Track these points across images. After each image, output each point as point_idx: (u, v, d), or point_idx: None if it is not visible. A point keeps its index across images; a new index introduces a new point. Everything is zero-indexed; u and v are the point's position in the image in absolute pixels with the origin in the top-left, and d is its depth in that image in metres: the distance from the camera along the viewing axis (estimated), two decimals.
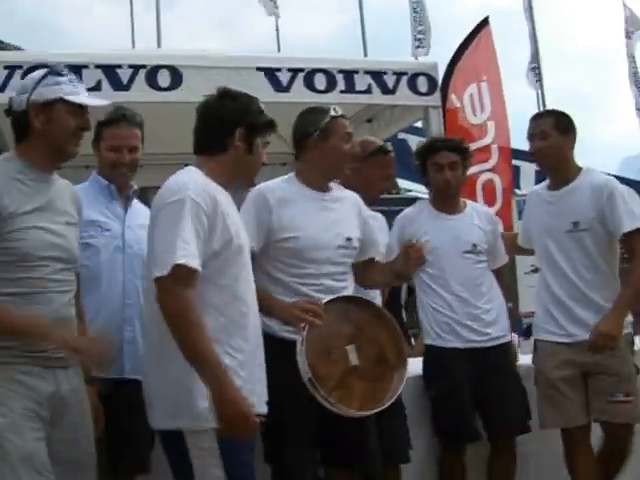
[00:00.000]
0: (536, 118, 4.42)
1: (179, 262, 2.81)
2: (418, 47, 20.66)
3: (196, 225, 2.90)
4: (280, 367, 3.28)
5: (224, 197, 3.09)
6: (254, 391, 3.00)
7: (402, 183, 11.29)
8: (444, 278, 4.29)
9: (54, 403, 2.91)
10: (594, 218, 4.18)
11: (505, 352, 4.38)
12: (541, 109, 19.48)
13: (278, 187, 3.73)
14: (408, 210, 4.60)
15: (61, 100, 2.98)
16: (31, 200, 2.93)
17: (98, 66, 5.30)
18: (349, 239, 3.75)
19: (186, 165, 3.35)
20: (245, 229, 3.27)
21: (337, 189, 3.87)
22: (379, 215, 4.38)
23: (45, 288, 2.92)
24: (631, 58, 23.38)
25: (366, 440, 3.66)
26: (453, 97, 6.28)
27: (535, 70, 19.86)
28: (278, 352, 3.33)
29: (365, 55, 16.95)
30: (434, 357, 4.29)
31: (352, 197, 3.93)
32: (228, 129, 3.14)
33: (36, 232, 2.91)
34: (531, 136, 4.36)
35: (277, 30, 19.87)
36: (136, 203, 3.87)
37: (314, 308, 3.41)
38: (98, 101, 3.19)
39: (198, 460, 2.91)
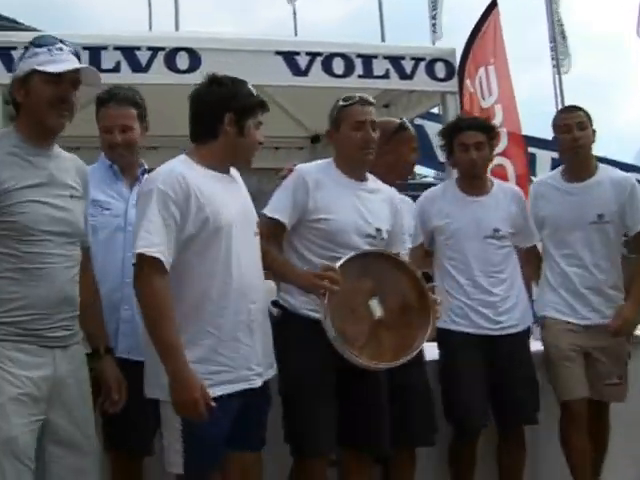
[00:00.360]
0: (572, 110, 4.55)
1: (138, 251, 3.05)
2: (434, 32, 20.60)
3: (163, 214, 3.07)
4: (302, 345, 3.58)
5: (208, 180, 3.24)
6: (236, 365, 3.20)
7: (418, 169, 11.26)
8: (463, 262, 4.29)
9: (51, 383, 2.91)
10: (616, 212, 4.40)
11: (520, 341, 4.36)
12: (558, 94, 19.30)
13: (316, 170, 3.82)
14: (431, 190, 4.63)
15: (36, 71, 2.95)
16: (31, 175, 2.93)
17: (117, 48, 5.33)
18: (378, 230, 3.81)
19: None
20: (278, 205, 3.68)
21: (373, 181, 3.93)
22: (407, 199, 4.36)
23: (48, 264, 2.92)
24: None
25: (375, 421, 3.71)
26: (468, 82, 6.27)
27: (553, 54, 19.67)
28: (299, 329, 3.61)
29: (383, 39, 16.88)
30: (445, 341, 4.28)
31: (388, 191, 3.98)
32: (217, 115, 3.27)
33: (36, 206, 2.90)
34: (565, 126, 4.44)
35: (294, 14, 19.82)
36: None
37: (331, 275, 3.43)
38: (68, 65, 3.01)
39: (166, 431, 3.19)
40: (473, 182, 4.41)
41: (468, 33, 6.29)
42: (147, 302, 3.07)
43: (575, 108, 4.56)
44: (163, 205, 3.09)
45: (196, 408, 3.02)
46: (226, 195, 3.29)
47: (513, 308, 4.32)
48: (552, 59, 20.73)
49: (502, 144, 6.31)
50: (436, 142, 7.14)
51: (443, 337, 4.25)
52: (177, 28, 15.47)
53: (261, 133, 3.37)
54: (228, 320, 3.20)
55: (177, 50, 5.38)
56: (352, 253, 3.57)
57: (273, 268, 3.61)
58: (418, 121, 8.69)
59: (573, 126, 4.44)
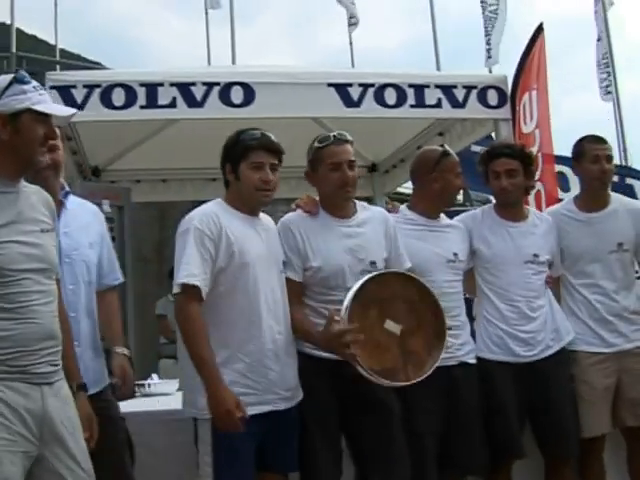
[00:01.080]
0: (601, 141, 4.55)
1: (180, 281, 3.41)
2: (489, 57, 20.49)
3: (200, 249, 3.44)
4: (304, 380, 3.68)
5: (238, 220, 3.60)
6: (263, 389, 3.49)
7: (476, 196, 11.24)
8: (502, 287, 4.27)
9: (41, 420, 2.87)
10: (634, 239, 4.48)
11: (557, 362, 4.30)
12: (617, 118, 19.16)
13: (301, 218, 3.86)
14: (469, 213, 4.63)
15: (28, 110, 2.94)
16: (1, 214, 2.88)
17: (173, 84, 5.46)
18: (373, 263, 3.83)
19: None
20: (287, 264, 3.75)
21: (363, 210, 3.96)
22: (460, 224, 4.38)
23: (30, 301, 2.88)
24: None
25: (391, 452, 3.71)
26: (518, 108, 6.26)
27: (607, 79, 19.48)
28: (303, 366, 3.69)
29: (438, 66, 16.87)
30: (481, 369, 4.21)
31: (379, 216, 4.01)
32: (223, 166, 3.71)
33: (10, 246, 2.86)
34: (595, 157, 4.46)
35: (351, 44, 19.91)
36: (72, 203, 3.71)
37: (344, 330, 3.44)
38: (68, 110, 3.16)
39: (201, 446, 3.46)
40: (508, 209, 4.40)
41: (516, 58, 6.28)
42: (186, 325, 3.43)
43: (603, 140, 4.58)
44: (200, 241, 3.46)
45: (231, 418, 3.32)
46: (251, 234, 3.61)
47: (547, 329, 4.29)
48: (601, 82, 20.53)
49: (539, 169, 6.23)
50: None
51: (480, 367, 4.21)
52: (234, 61, 15.67)
53: (264, 173, 3.59)
54: (256, 348, 3.50)
55: (231, 85, 5.49)
56: (349, 295, 3.53)
57: (297, 332, 3.71)
58: (475, 148, 8.71)
59: (602, 158, 4.47)
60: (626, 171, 11.02)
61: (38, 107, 2.96)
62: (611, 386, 4.40)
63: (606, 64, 19.70)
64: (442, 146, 4.35)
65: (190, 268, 3.40)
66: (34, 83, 3.01)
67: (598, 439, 4.35)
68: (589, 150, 4.52)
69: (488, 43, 21.68)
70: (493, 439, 4.11)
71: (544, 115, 6.25)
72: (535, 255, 4.31)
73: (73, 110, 3.21)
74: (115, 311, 3.85)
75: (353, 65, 17.09)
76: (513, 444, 4.16)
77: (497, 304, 4.26)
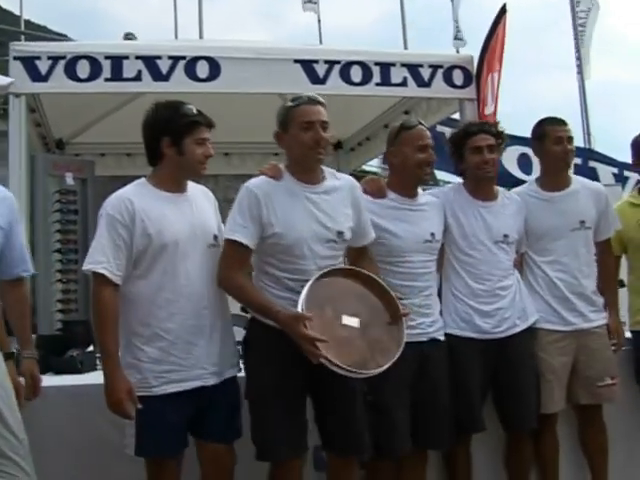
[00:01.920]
0: (563, 123, 4.58)
1: (83, 268, 3.50)
2: (456, 38, 20.58)
3: (112, 235, 3.47)
4: (265, 352, 3.62)
5: (158, 201, 3.57)
6: (188, 365, 3.52)
7: (440, 175, 11.29)
8: (474, 267, 4.28)
9: None
10: (595, 218, 4.53)
11: (522, 340, 4.35)
12: (582, 102, 19.28)
13: (266, 183, 3.71)
14: (443, 189, 4.62)
15: None
16: None
17: (138, 57, 5.43)
18: (340, 233, 3.72)
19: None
20: (235, 226, 3.61)
21: (332, 178, 3.82)
22: (438, 201, 4.33)
23: None
24: None
25: (351, 426, 3.67)
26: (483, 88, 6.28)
27: (577, 61, 19.59)
28: (263, 336, 3.63)
29: (405, 46, 16.89)
30: (448, 346, 4.21)
31: (348, 185, 3.87)
32: (157, 140, 3.61)
33: None
34: (558, 138, 4.50)
35: (319, 22, 19.88)
36: None
37: (315, 338, 3.37)
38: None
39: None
40: (483, 187, 4.39)
41: (478, 38, 6.29)
42: (95, 309, 3.47)
43: (564, 121, 4.61)
44: (112, 227, 3.48)
45: (121, 407, 3.40)
46: (173, 213, 3.58)
47: (515, 308, 4.33)
48: (577, 66, 20.67)
49: None
50: None
51: (447, 342, 4.23)
52: (201, 36, 15.59)
53: (207, 148, 3.62)
54: (177, 325, 3.51)
55: (197, 59, 5.48)
56: (301, 299, 3.44)
57: (252, 308, 3.68)
58: (439, 128, 8.77)
59: (565, 139, 4.52)
60: (589, 154, 11.16)
61: None
62: (568, 364, 4.46)
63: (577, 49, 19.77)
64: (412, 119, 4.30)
65: (95, 255, 3.45)
66: None
67: (553, 414, 4.43)
68: (551, 132, 4.54)
69: (456, 22, 21.71)
70: (455, 413, 4.15)
71: (496, 96, 6.29)
72: (505, 235, 4.34)
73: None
74: (26, 310, 3.75)
75: (321, 43, 17.08)
76: (474, 419, 4.21)
77: (467, 281, 4.27)
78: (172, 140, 3.57)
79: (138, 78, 5.42)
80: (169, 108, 3.63)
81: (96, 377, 4.02)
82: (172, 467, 3.56)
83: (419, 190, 4.25)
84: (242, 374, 3.74)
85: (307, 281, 3.50)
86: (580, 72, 18.80)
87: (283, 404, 3.58)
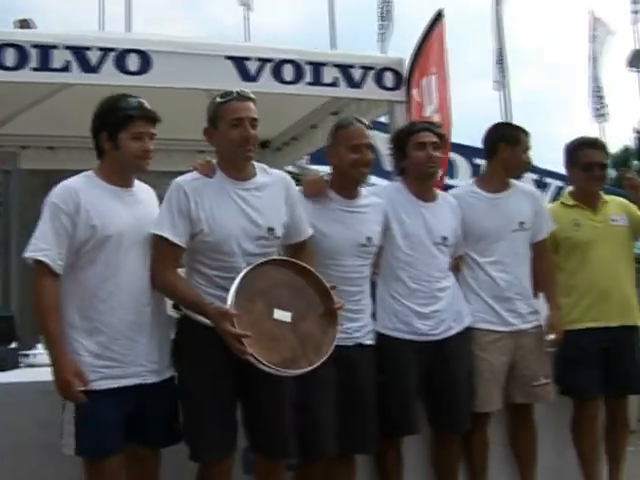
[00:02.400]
0: (527, 133, 4.73)
1: (25, 255, 3.48)
2: (382, 41, 20.72)
3: (55, 224, 3.46)
4: (196, 352, 3.62)
5: (104, 194, 3.58)
6: (127, 361, 3.52)
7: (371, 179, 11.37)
8: (413, 267, 4.30)
9: None
10: (532, 219, 4.67)
11: (458, 341, 4.42)
12: (505, 110, 19.64)
13: (196, 180, 3.72)
14: (385, 187, 4.66)
15: None
16: None
17: (67, 47, 5.30)
18: (271, 229, 3.72)
19: None
20: (169, 223, 3.62)
21: (263, 174, 3.82)
22: (381, 202, 4.32)
23: None
24: (592, 63, 23.79)
25: (278, 428, 3.67)
26: (415, 92, 6.32)
27: (500, 72, 20.00)
28: (195, 336, 3.63)
29: (334, 47, 16.95)
30: (384, 346, 4.27)
31: (281, 181, 3.88)
32: (97, 135, 3.67)
33: None
34: (529, 148, 4.69)
35: (247, 19, 19.84)
36: None
37: (240, 334, 3.35)
38: None
39: (65, 415, 3.49)
40: (423, 186, 4.43)
41: (413, 43, 6.32)
42: (36, 298, 3.45)
43: (528, 132, 4.74)
44: (55, 216, 3.47)
45: (70, 389, 3.38)
46: (119, 207, 3.60)
47: (452, 309, 4.40)
48: (497, 75, 21.05)
49: None
50: (384, 150, 7.20)
51: (382, 343, 4.27)
52: (128, 29, 15.40)
53: (144, 143, 3.60)
54: (117, 320, 3.51)
55: (128, 51, 5.36)
56: (231, 292, 3.42)
57: (184, 304, 3.68)
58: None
59: (530, 149, 4.68)
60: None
61: None
62: (506, 364, 4.55)
63: (499, 58, 20.16)
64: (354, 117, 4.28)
65: (38, 243, 3.45)
66: None
67: (485, 414, 4.51)
68: (522, 140, 4.69)
69: (382, 28, 21.88)
70: (388, 414, 4.18)
71: (444, 101, 6.34)
72: (444, 238, 4.39)
73: None
74: None
75: (248, 41, 17.03)
76: (409, 421, 4.26)
77: (407, 282, 4.29)
78: (108, 135, 3.60)
79: (67, 69, 5.27)
80: (109, 102, 3.65)
81: (19, 375, 3.95)
82: (112, 467, 3.47)
83: (362, 191, 4.23)
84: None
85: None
86: (504, 78, 19.15)
87: (215, 405, 3.58)
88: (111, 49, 5.36)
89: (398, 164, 4.52)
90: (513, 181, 4.80)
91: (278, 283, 3.58)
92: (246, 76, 5.62)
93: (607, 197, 5.09)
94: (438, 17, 6.26)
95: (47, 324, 3.42)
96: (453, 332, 4.37)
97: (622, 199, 5.19)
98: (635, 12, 27.41)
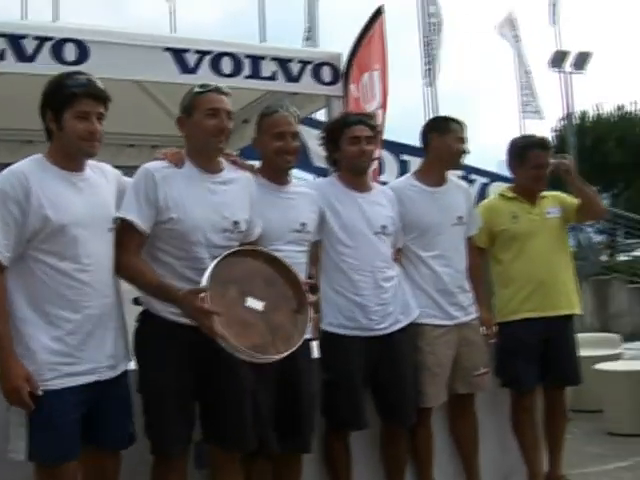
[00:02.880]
0: (463, 124, 4.76)
1: None
2: (307, 39, 20.90)
3: (2, 212, 3.20)
4: (158, 347, 3.55)
5: (55, 179, 3.33)
6: (84, 357, 3.30)
7: (297, 173, 11.38)
8: (355, 258, 4.29)
9: None
10: (466, 214, 4.76)
11: (405, 336, 4.42)
12: (432, 106, 19.90)
13: (165, 168, 3.68)
14: (317, 181, 4.67)
15: None
16: None
17: (1, 35, 5.18)
18: (236, 223, 3.72)
19: None
20: (135, 208, 3.53)
21: (230, 170, 3.83)
22: (312, 192, 4.31)
23: None
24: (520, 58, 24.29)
25: (236, 417, 3.67)
26: (352, 87, 6.37)
27: (428, 68, 20.29)
28: (157, 331, 3.57)
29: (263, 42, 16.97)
30: (329, 343, 4.26)
31: (246, 178, 3.89)
32: (43, 115, 3.41)
33: None
34: (462, 139, 4.72)
35: (172, 13, 19.81)
36: None
37: (209, 311, 3.34)
38: None
39: (13, 417, 3.26)
40: (358, 179, 4.43)
41: (343, 39, 6.38)
42: None
43: (463, 123, 4.79)
44: (2, 204, 3.22)
45: (18, 395, 3.15)
46: (72, 193, 3.38)
47: (397, 302, 4.41)
48: (425, 71, 21.34)
49: (379, 149, 6.40)
50: (313, 146, 7.22)
51: (328, 340, 4.27)
52: (56, 18, 15.15)
53: (90, 123, 3.35)
54: (77, 313, 3.31)
55: (65, 41, 5.27)
56: (205, 277, 3.39)
57: (150, 291, 3.59)
58: (300, 127, 8.79)
59: (464, 139, 4.72)
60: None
61: None
62: (451, 357, 4.62)
63: (427, 54, 20.44)
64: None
65: None
66: None
67: (429, 408, 4.56)
68: (454, 130, 4.71)
69: (309, 23, 21.94)
70: (336, 410, 4.20)
71: (384, 97, 6.40)
72: (383, 226, 4.39)
73: None
74: None
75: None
76: (358, 417, 4.27)
77: (349, 274, 4.28)
78: (53, 114, 3.36)
79: (1, 57, 5.16)
80: (56, 79, 3.42)
81: None
82: (69, 473, 3.31)
83: (292, 180, 4.23)
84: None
85: (203, 270, 3.44)
86: (433, 75, 19.43)
87: (178, 399, 3.56)
88: (48, 38, 5.26)
89: (331, 155, 4.52)
90: (449, 176, 4.87)
91: (253, 273, 3.58)
92: (185, 68, 5.60)
93: (546, 192, 5.19)
94: (378, 13, 6.31)
95: None
96: (400, 325, 4.39)
97: (557, 192, 5.31)
98: (554, 14, 28.08)
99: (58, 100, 3.35)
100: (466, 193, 4.89)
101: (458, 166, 4.90)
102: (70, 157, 3.42)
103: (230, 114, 3.72)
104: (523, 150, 5.10)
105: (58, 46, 5.28)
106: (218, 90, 3.72)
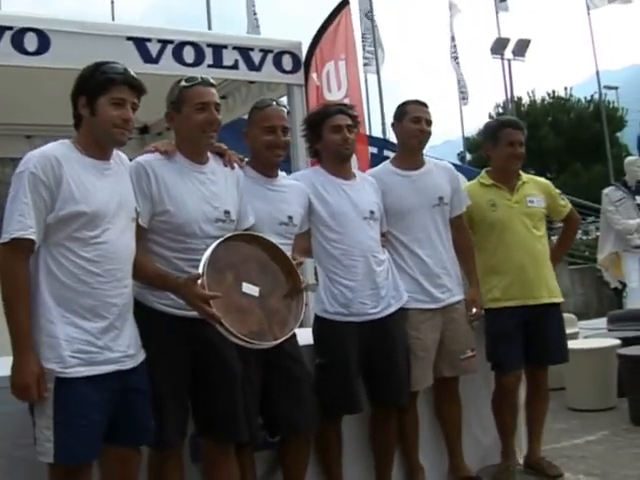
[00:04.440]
0: (424, 105, 4.80)
1: (15, 236, 3.08)
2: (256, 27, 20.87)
3: (34, 196, 3.11)
4: (152, 339, 3.49)
5: (84, 166, 3.26)
6: (107, 346, 3.23)
7: None
8: (346, 244, 4.33)
9: None
10: (449, 194, 4.77)
11: (396, 320, 4.47)
12: (379, 93, 20.00)
13: (157, 160, 3.68)
14: (302, 172, 4.68)
15: None
16: None
17: None
18: (227, 212, 3.74)
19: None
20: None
21: (217, 161, 3.85)
22: (300, 185, 4.35)
23: None
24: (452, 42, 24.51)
25: (230, 408, 3.68)
26: (314, 76, 6.40)
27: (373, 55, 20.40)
28: (151, 323, 3.52)
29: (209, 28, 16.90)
30: (324, 330, 4.31)
31: (230, 170, 3.90)
32: (75, 100, 3.34)
33: None
34: (416, 118, 4.70)
35: (112, 3, 19.70)
36: None
37: (207, 295, 3.35)
38: None
39: (38, 419, 3.17)
40: (341, 166, 4.47)
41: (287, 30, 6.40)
42: (7, 281, 3.11)
43: (425, 104, 4.81)
44: (34, 187, 3.13)
45: (28, 392, 3.08)
46: (100, 182, 3.31)
47: (389, 286, 4.45)
48: (364, 58, 21.43)
49: None
50: None
51: (322, 326, 4.32)
52: None
53: (125, 110, 3.31)
54: (99, 302, 3.24)
55: (25, 30, 5.18)
56: (203, 262, 3.40)
57: (148, 281, 3.57)
58: None
59: (423, 119, 4.71)
60: (384, 144, 11.60)
61: None
62: (437, 340, 4.66)
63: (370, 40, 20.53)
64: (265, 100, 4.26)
65: (25, 220, 3.09)
66: None
67: (415, 391, 4.61)
68: (411, 111, 4.73)
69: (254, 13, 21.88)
70: (330, 395, 4.20)
71: (354, 87, 6.43)
72: (371, 212, 4.44)
73: None
74: None
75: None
76: (352, 401, 4.29)
77: (342, 261, 4.32)
78: (87, 99, 3.30)
79: None
80: (91, 65, 3.35)
81: None
82: (89, 474, 3.26)
83: (281, 173, 4.26)
84: None
85: (198, 260, 3.43)
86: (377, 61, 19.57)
87: (174, 391, 3.57)
88: (7, 27, 5.15)
89: (312, 146, 4.55)
90: (428, 158, 4.91)
91: (247, 258, 3.59)
92: (147, 58, 5.57)
93: (526, 177, 5.24)
94: (343, 3, 6.33)
95: (17, 314, 3.09)
96: (392, 310, 4.44)
97: (543, 179, 5.39)
98: (502, 1, 28.37)
99: (94, 85, 3.29)
100: (449, 173, 4.89)
101: (423, 146, 4.83)
102: (99, 145, 3.36)
103: (218, 106, 3.72)
104: (495, 130, 5.16)
105: (18, 36, 5.18)
106: (205, 82, 3.71)
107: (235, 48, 5.93)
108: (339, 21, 6.34)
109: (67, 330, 3.16)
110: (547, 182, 5.33)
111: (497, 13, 28.54)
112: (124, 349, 3.31)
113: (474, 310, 4.81)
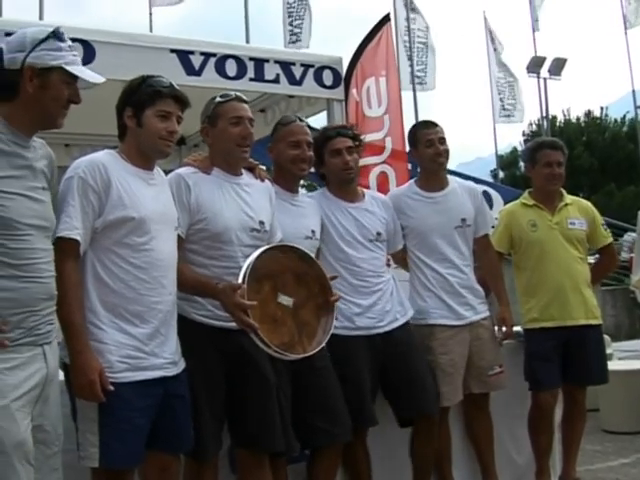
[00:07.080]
0: (432, 126, 4.83)
1: (60, 235, 3.11)
2: (295, 41, 20.90)
3: (82, 201, 3.19)
4: (190, 351, 3.53)
5: (130, 175, 3.36)
6: (152, 352, 3.29)
7: None
8: (353, 263, 4.39)
9: (45, 381, 2.83)
10: (473, 215, 4.81)
11: (406, 331, 4.51)
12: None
13: (194, 172, 3.79)
14: (313, 194, 4.72)
15: (60, 68, 2.89)
16: (14, 165, 2.81)
17: (7, 34, 5.16)
18: (262, 222, 3.84)
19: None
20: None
21: (249, 175, 3.96)
22: (314, 202, 4.45)
23: (35, 259, 2.82)
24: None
25: (265, 418, 3.70)
26: (354, 91, 6.42)
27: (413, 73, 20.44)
28: (188, 335, 3.56)
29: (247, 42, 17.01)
30: (333, 344, 4.13)
31: (263, 184, 4.02)
32: (121, 112, 3.46)
33: (19, 199, 2.78)
34: (428, 141, 4.75)
35: (150, 14, 19.89)
36: None
37: (246, 304, 3.40)
38: (97, 77, 3.06)
39: (82, 424, 3.21)
40: (347, 188, 4.53)
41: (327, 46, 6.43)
42: (59, 285, 3.05)
43: (433, 124, 4.86)
44: (83, 192, 3.21)
45: (92, 390, 3.09)
46: (145, 191, 3.39)
47: (395, 299, 4.50)
48: (411, 75, 21.45)
49: (386, 153, 6.46)
50: None
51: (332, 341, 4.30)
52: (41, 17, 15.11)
53: (171, 123, 3.41)
54: (146, 308, 3.30)
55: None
56: (243, 272, 3.47)
57: (188, 289, 3.61)
58: None
59: (436, 140, 4.75)
60: None
61: (70, 68, 2.90)
62: (465, 356, 4.70)
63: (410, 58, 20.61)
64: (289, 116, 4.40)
65: (71, 221, 3.16)
66: (69, 42, 2.94)
67: (446, 407, 4.64)
68: (422, 136, 4.79)
69: (290, 24, 21.96)
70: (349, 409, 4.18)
71: (395, 103, 6.43)
72: (378, 233, 4.50)
73: (102, 78, 3.07)
74: None
75: None
76: (368, 414, 4.30)
77: (348, 279, 4.36)
78: (133, 111, 3.42)
79: None
80: (138, 78, 3.48)
81: None
82: (130, 478, 3.30)
83: (300, 190, 4.38)
84: None
85: (234, 268, 3.55)
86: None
87: (212, 402, 3.62)
88: None
89: (318, 170, 4.59)
90: (452, 178, 4.95)
91: (285, 269, 3.66)
92: (190, 70, 5.60)
93: (570, 199, 5.27)
94: (385, 20, 6.35)
95: (72, 315, 3.10)
96: (399, 323, 4.47)
97: (587, 202, 5.41)
98: (536, 20, 28.27)
99: (141, 98, 3.40)
100: (472, 193, 4.93)
101: (443, 167, 4.86)
102: (144, 155, 3.45)
103: (252, 121, 3.84)
104: (533, 152, 5.23)
105: None
106: (239, 99, 3.86)
107: (277, 62, 5.95)
108: (380, 37, 6.36)
109: (115, 336, 3.21)
110: (593, 208, 5.33)
111: (534, 32, 28.41)
112: (169, 355, 3.36)
113: (504, 329, 4.85)
